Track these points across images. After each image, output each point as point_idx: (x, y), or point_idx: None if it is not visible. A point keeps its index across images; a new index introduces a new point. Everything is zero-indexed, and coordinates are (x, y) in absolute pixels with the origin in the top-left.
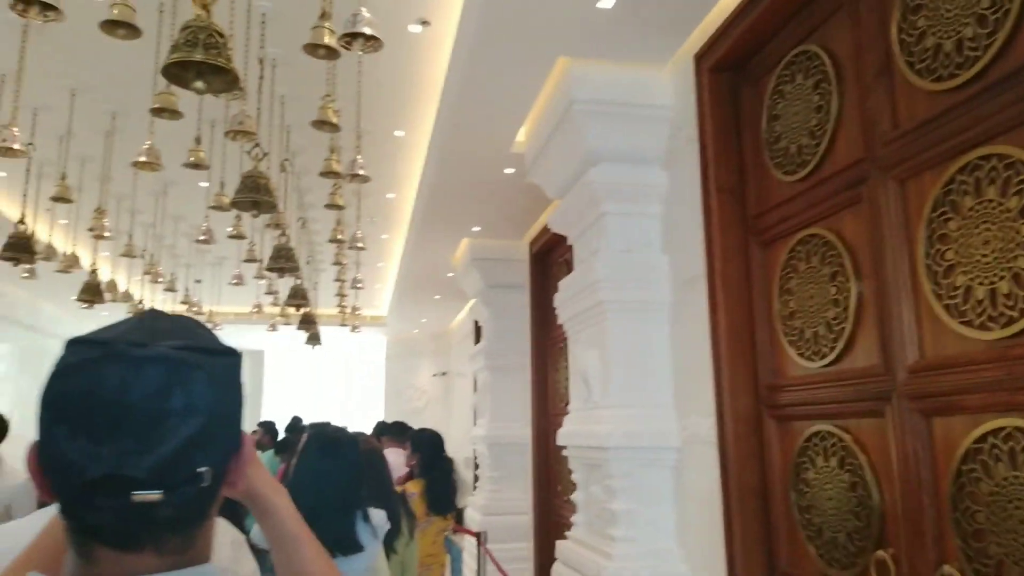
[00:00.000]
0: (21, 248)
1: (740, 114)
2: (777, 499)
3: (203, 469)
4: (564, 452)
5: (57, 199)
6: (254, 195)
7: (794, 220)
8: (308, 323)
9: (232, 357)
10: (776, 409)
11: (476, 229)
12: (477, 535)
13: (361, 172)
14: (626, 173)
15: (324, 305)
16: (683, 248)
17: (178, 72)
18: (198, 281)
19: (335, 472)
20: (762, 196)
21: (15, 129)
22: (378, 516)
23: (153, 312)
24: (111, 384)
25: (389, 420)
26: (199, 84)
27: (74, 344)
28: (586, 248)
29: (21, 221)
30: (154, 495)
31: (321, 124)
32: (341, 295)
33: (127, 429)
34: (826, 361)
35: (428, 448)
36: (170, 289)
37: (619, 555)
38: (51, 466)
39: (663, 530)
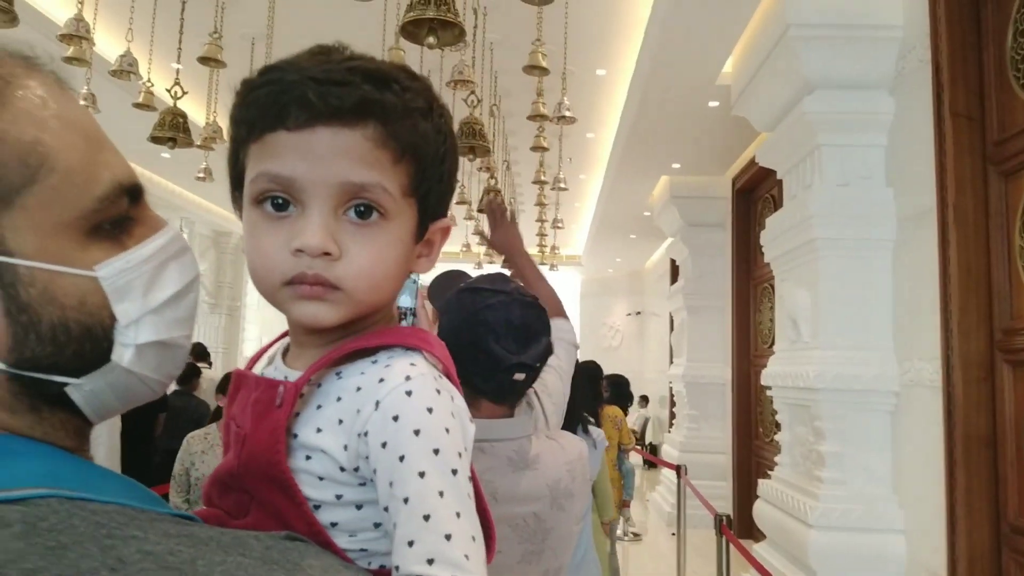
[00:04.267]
0: None
1: (981, 30)
2: (1008, 448)
3: (539, 364)
4: (769, 392)
5: None
6: (471, 140)
7: None
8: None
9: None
10: (1013, 354)
11: (676, 166)
12: (677, 468)
13: (567, 114)
14: (846, 101)
15: (525, 245)
16: (910, 180)
17: (412, 29)
18: None
19: None
20: (1005, 121)
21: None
22: (597, 432)
23: (502, 275)
24: (517, 315)
25: (584, 358)
26: (431, 39)
27: (479, 291)
28: (797, 183)
29: None
30: (521, 375)
31: (532, 69)
32: (541, 235)
33: (524, 339)
34: None
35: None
36: None
37: (827, 496)
38: (478, 358)
39: (876, 475)
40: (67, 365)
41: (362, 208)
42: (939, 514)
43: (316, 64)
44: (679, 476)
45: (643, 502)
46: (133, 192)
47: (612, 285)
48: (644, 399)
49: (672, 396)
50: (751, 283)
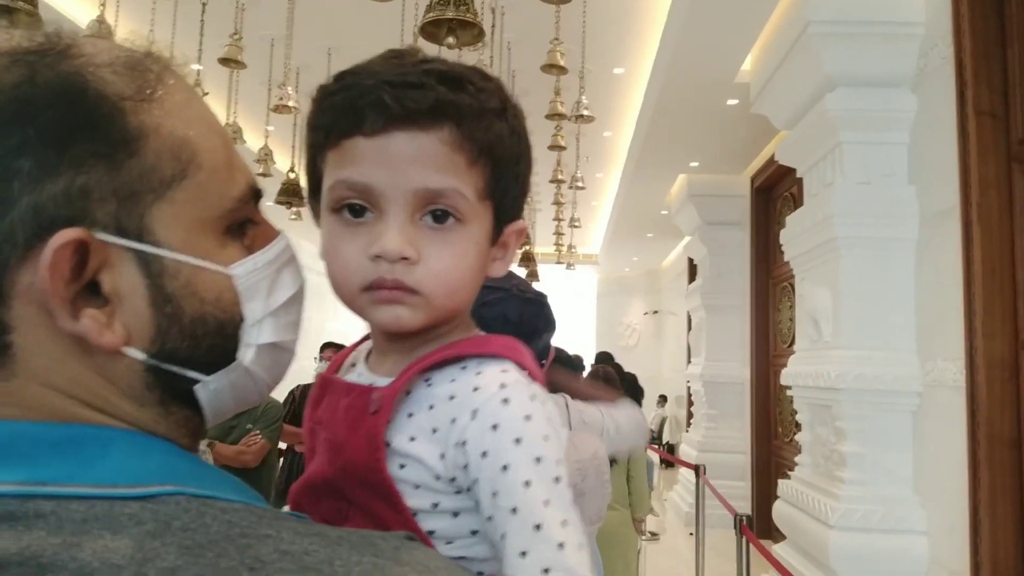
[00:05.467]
0: (292, 193)
1: (1005, 26)
2: None
3: (542, 362)
4: (789, 392)
5: None
6: None
7: None
8: (528, 261)
9: None
10: None
11: (694, 164)
12: (696, 468)
13: (586, 112)
14: (867, 98)
15: (541, 244)
16: (933, 179)
17: (432, 30)
18: None
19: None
20: None
21: (289, 88)
22: None
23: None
24: (513, 312)
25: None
26: (450, 40)
27: (487, 288)
28: (818, 181)
29: (291, 170)
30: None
31: (550, 68)
32: (558, 234)
33: (522, 336)
34: None
35: (625, 384)
36: None
37: (848, 497)
38: None
39: (898, 476)
40: (200, 360)
41: (439, 213)
42: (962, 515)
43: (391, 68)
44: (698, 476)
45: (661, 502)
46: (257, 196)
47: (629, 284)
48: (662, 398)
49: (690, 395)
50: (770, 282)
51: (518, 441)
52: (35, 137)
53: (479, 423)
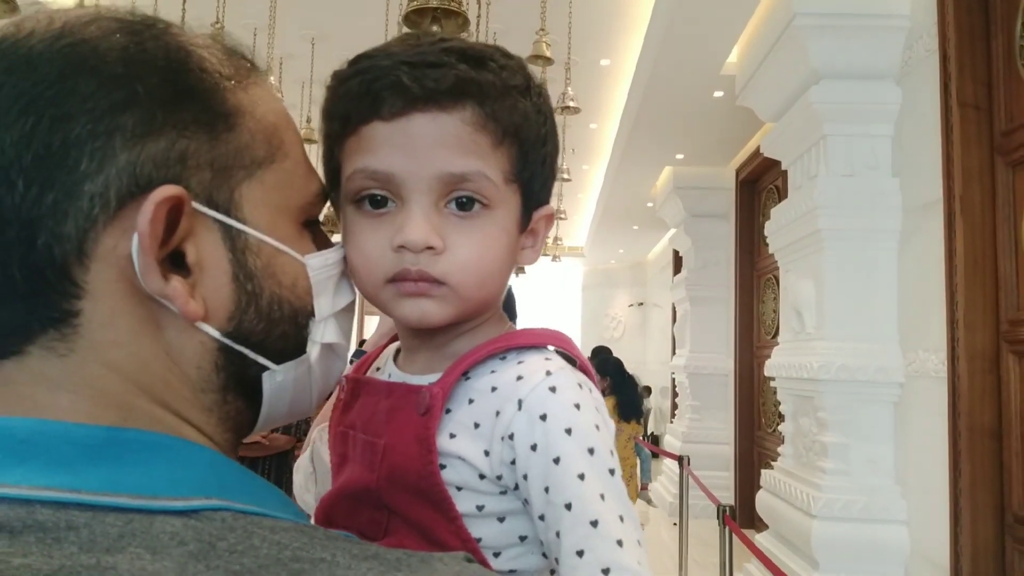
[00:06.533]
0: None
1: (989, 19)
2: (1013, 439)
3: None
4: (772, 383)
5: (305, 141)
6: None
7: None
8: None
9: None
10: (1018, 344)
11: (679, 157)
12: (680, 458)
13: (572, 104)
14: (852, 91)
15: None
16: (916, 171)
17: (416, 19)
18: None
19: None
20: (1013, 111)
21: (272, 78)
22: None
23: None
24: None
25: (587, 350)
26: (435, 28)
27: None
28: (803, 173)
29: None
30: None
31: (536, 59)
32: None
33: None
34: None
35: (614, 370)
36: None
37: (830, 487)
38: None
39: (880, 467)
40: (272, 347)
41: (464, 200)
42: (942, 505)
43: (408, 48)
44: (681, 466)
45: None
46: (325, 200)
47: (614, 276)
48: (647, 389)
49: (674, 387)
50: (754, 274)
51: (569, 431)
52: (143, 94)
53: (526, 414)
